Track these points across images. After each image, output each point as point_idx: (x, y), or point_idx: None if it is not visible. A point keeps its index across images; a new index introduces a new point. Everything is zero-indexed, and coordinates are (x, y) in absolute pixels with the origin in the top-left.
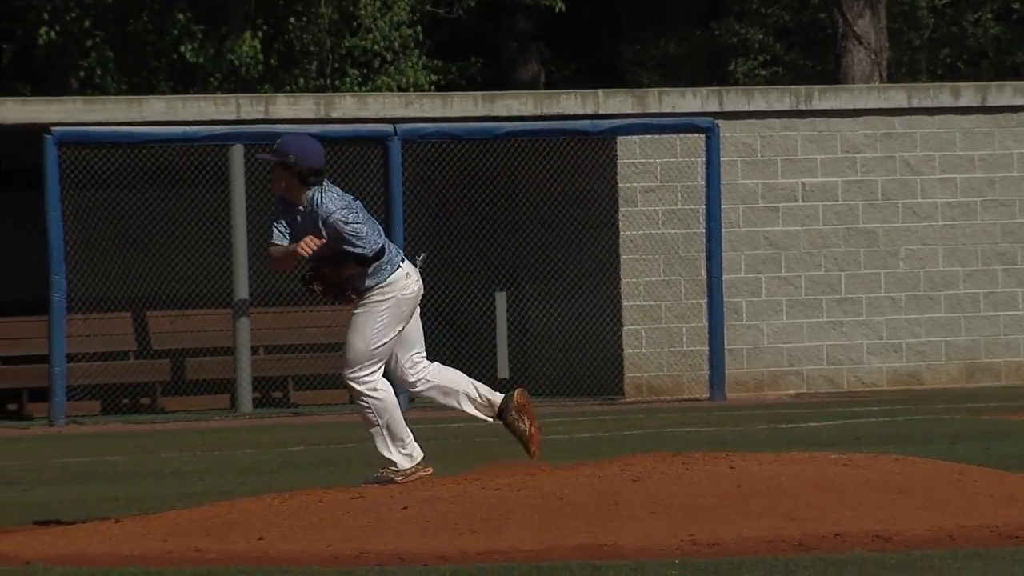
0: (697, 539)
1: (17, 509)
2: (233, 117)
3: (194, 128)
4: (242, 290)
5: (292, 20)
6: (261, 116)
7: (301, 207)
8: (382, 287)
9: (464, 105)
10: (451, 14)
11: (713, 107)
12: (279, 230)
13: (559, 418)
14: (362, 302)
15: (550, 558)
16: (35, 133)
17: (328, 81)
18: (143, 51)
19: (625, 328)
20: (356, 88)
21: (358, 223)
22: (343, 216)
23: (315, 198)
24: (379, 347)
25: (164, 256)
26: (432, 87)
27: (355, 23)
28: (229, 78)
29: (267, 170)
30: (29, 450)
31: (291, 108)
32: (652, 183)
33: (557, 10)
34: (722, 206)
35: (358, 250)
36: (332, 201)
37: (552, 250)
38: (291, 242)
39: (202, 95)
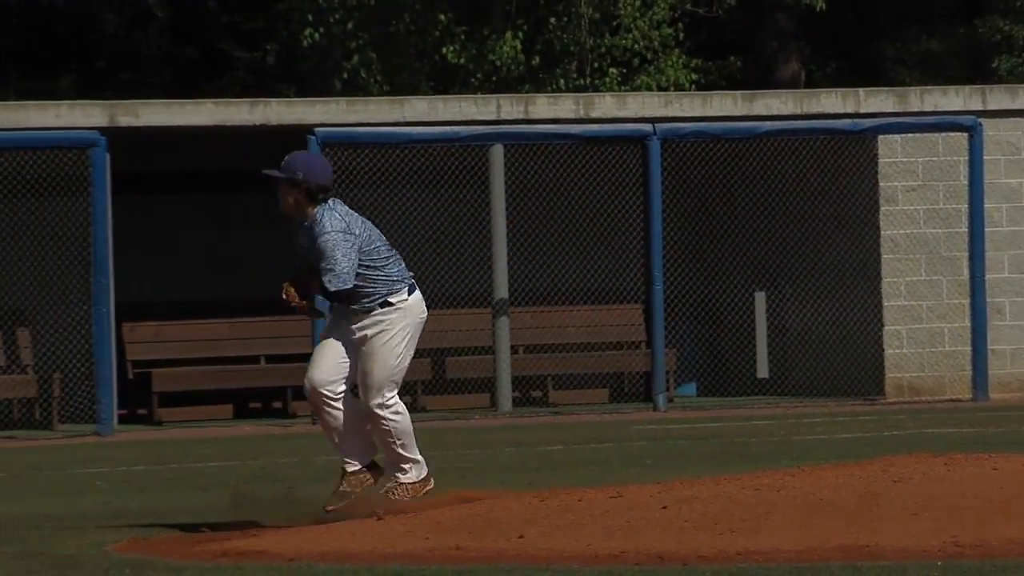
0: (960, 541)
1: (281, 506)
2: (493, 117)
3: (455, 128)
4: (502, 289)
5: (552, 20)
6: (521, 116)
7: (306, 224)
8: (400, 309)
9: (723, 104)
10: (711, 13)
11: (976, 105)
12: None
13: (819, 418)
14: (379, 327)
15: (810, 559)
16: (299, 134)
17: (588, 81)
18: (405, 52)
19: (886, 328)
20: (616, 88)
21: (344, 257)
22: (333, 241)
23: (318, 214)
24: (399, 372)
25: (424, 255)
26: (693, 86)
27: (615, 23)
28: (490, 78)
29: (273, 188)
30: (293, 448)
31: (551, 108)
32: (914, 182)
33: (818, 8)
34: (985, 205)
35: (325, 279)
36: (331, 222)
37: (811, 250)
38: (301, 260)
39: (463, 95)
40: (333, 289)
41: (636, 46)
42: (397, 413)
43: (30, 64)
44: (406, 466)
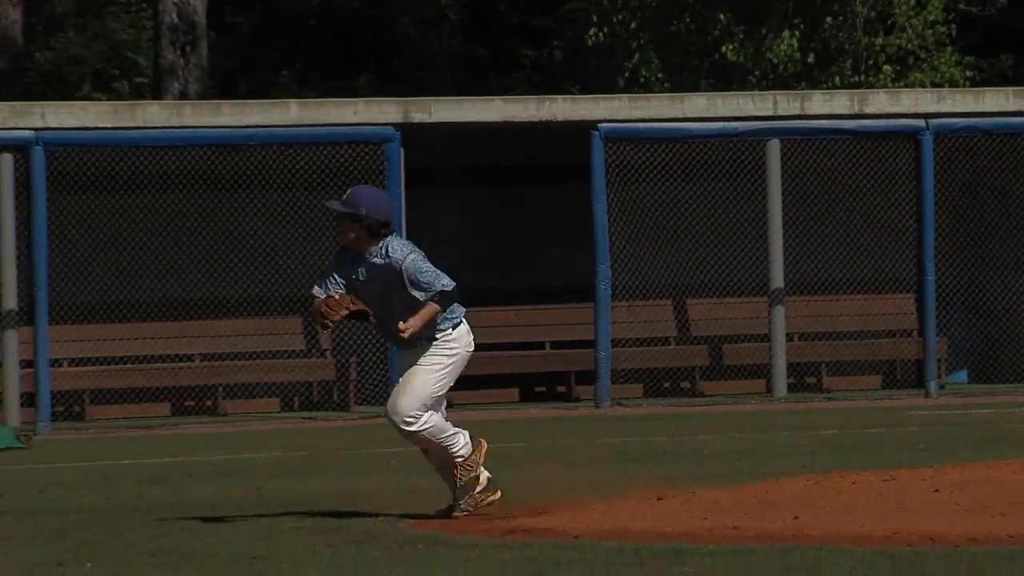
0: None
1: (566, 486)
2: (770, 113)
3: (732, 124)
4: (777, 279)
5: (829, 19)
6: (797, 112)
7: (369, 258)
8: (450, 340)
9: (996, 100)
10: (984, 11)
11: None
12: (331, 282)
13: None
14: (431, 352)
15: None
16: (583, 130)
17: (862, 78)
18: (685, 51)
19: None
20: (890, 84)
21: (430, 266)
22: (415, 258)
23: (384, 248)
24: (436, 395)
25: (703, 246)
26: (967, 83)
27: (889, 21)
28: (767, 76)
29: (334, 219)
30: (576, 430)
31: (826, 104)
32: None
33: None
34: None
35: (440, 283)
36: (402, 247)
37: None
38: (349, 291)
39: (741, 92)
40: (451, 288)
41: (910, 44)
42: (427, 423)
43: (331, 64)
44: (458, 450)
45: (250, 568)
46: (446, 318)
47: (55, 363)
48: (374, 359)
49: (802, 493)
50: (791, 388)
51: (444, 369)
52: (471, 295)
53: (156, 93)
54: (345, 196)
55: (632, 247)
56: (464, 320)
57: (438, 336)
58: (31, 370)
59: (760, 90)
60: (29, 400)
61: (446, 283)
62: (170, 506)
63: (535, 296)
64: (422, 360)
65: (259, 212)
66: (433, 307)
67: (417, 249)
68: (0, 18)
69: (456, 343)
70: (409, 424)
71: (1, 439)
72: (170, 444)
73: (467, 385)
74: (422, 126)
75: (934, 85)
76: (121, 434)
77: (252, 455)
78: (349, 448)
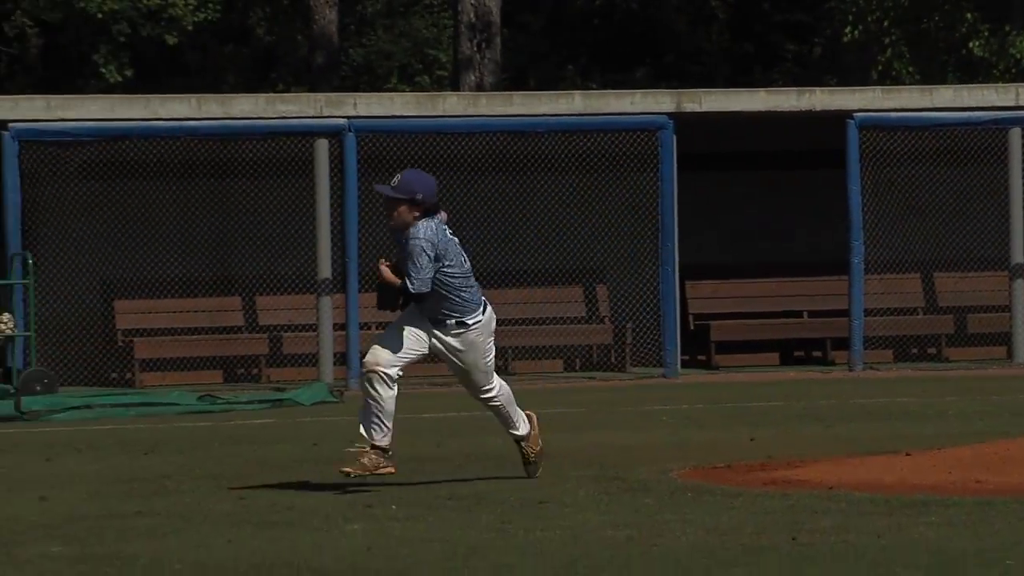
0: None
1: (821, 442)
2: (1012, 104)
3: (977, 113)
4: (1018, 255)
5: None
6: None
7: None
8: (480, 326)
9: None
10: None
11: None
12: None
13: None
14: (468, 348)
15: None
16: (839, 119)
17: None
18: (934, 47)
19: None
20: None
21: (429, 263)
22: (420, 248)
23: (419, 223)
24: (492, 367)
25: (949, 225)
26: None
27: None
28: (1010, 70)
29: (383, 203)
30: (831, 391)
31: None
32: None
33: None
34: None
35: (407, 279)
36: (425, 231)
37: None
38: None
39: (985, 85)
40: (414, 291)
41: None
42: (500, 392)
43: (610, 58)
44: (518, 422)
45: (536, 512)
46: (461, 313)
47: (364, 326)
48: (648, 325)
49: None
50: None
51: (488, 352)
52: (734, 269)
53: (455, 85)
54: (396, 182)
55: (883, 225)
56: (481, 312)
57: (459, 329)
58: (343, 332)
59: (1004, 83)
60: (340, 359)
61: (413, 284)
62: (466, 455)
63: (795, 269)
64: (468, 360)
65: (546, 193)
66: (398, 282)
67: (429, 241)
68: (319, 19)
69: (486, 327)
70: (488, 394)
71: (316, 394)
72: (445, 400)
73: (731, 349)
74: (693, 115)
75: None
76: (427, 391)
77: (540, 411)
78: (625, 405)
